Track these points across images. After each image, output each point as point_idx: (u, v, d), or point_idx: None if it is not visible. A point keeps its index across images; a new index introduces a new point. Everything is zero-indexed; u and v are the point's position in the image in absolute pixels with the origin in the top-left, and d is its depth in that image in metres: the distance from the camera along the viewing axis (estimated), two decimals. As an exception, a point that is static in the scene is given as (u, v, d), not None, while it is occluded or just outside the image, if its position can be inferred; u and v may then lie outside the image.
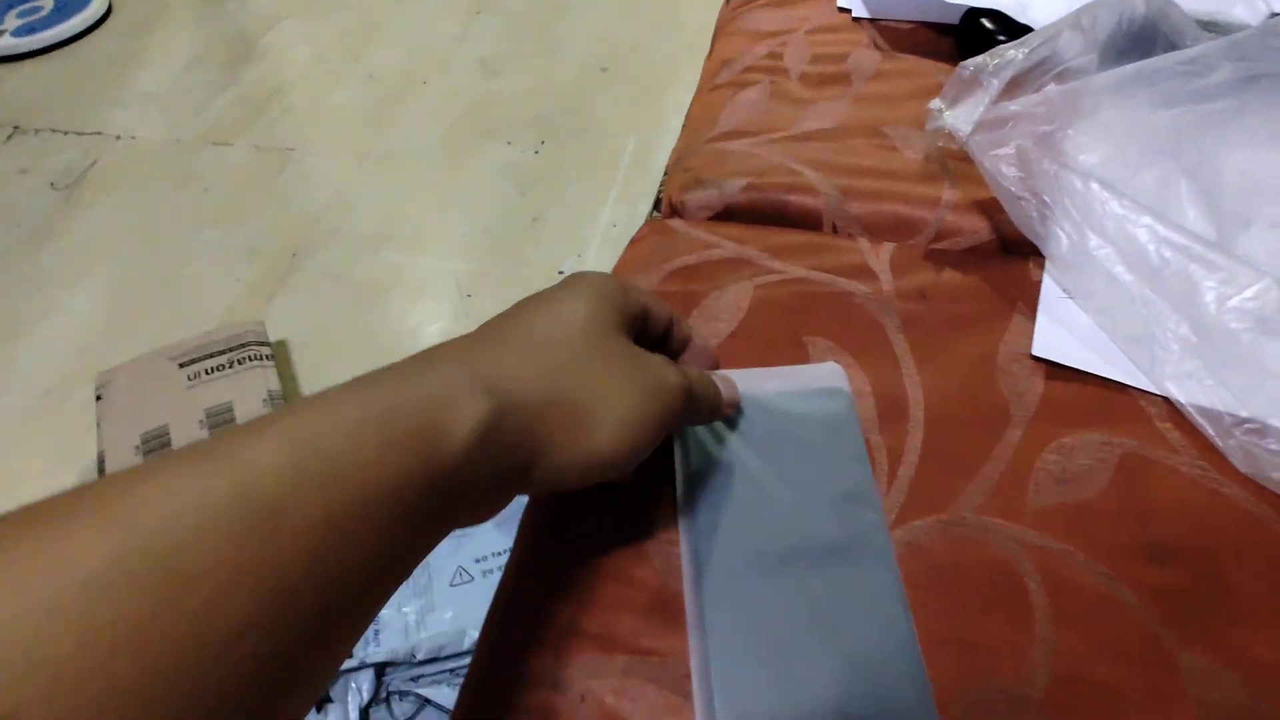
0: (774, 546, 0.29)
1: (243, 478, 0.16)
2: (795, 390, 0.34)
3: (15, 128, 1.40)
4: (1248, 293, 0.34)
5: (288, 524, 0.16)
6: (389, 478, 0.18)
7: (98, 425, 0.81)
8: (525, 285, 1.07)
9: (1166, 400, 0.35)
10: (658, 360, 0.27)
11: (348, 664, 0.57)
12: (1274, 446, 0.32)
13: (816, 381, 0.35)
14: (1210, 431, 0.33)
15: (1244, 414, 0.33)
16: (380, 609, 0.20)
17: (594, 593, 0.30)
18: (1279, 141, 0.42)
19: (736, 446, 0.32)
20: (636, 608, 0.30)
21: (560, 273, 1.05)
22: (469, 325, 1.03)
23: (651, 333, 0.31)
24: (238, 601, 0.15)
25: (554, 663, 0.29)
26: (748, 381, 0.33)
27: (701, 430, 0.32)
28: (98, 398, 0.83)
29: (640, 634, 0.29)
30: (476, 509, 0.23)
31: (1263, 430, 0.32)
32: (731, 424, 0.32)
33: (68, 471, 0.88)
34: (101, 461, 0.78)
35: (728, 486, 0.31)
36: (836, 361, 0.37)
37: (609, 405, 0.25)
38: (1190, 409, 0.34)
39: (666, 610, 0.30)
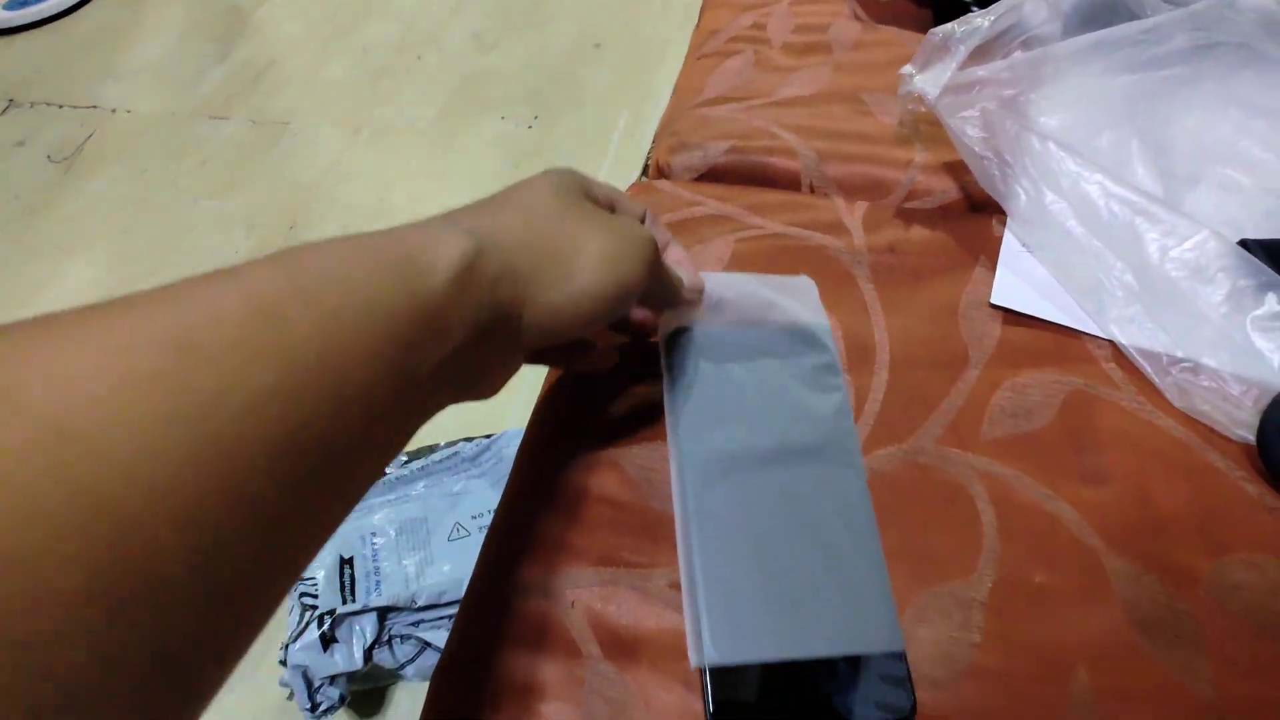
0: (754, 448, 0.32)
1: (248, 286, 0.18)
2: (773, 300, 0.37)
3: (10, 101, 1.41)
4: (1187, 244, 0.37)
5: (291, 318, 0.17)
6: (378, 297, 0.19)
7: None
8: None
9: (1112, 343, 0.38)
10: (626, 217, 0.29)
11: (352, 607, 0.60)
12: (1206, 383, 0.35)
13: (791, 292, 0.38)
14: (1149, 370, 0.36)
15: (1180, 354, 0.36)
16: (381, 463, 0.21)
17: (581, 513, 0.33)
18: (1229, 107, 0.45)
19: (719, 355, 0.35)
20: (619, 526, 0.33)
21: (554, 244, 1.07)
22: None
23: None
24: (254, 373, 0.16)
25: (545, 574, 0.32)
26: (726, 281, 0.37)
27: (686, 341, 0.35)
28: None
29: (624, 549, 0.32)
30: (473, 368, 0.23)
31: (1196, 369, 0.35)
32: (714, 336, 0.35)
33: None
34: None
35: (711, 394, 0.34)
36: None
37: (588, 244, 0.26)
38: (1132, 350, 0.37)
39: (648, 529, 0.33)
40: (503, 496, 0.36)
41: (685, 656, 0.29)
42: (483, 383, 0.25)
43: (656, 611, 0.31)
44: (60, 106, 1.39)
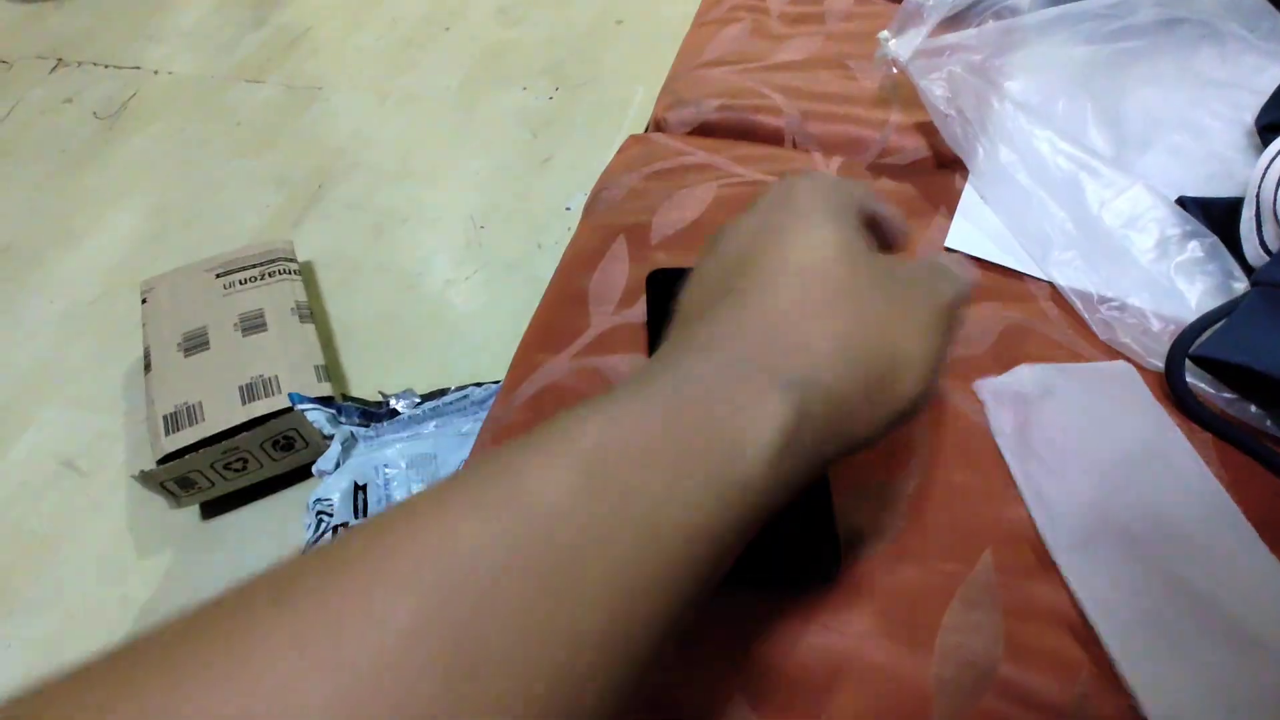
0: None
1: (535, 525, 0.15)
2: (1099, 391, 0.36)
3: (59, 60, 1.48)
4: (1123, 197, 0.41)
5: (581, 578, 0.15)
6: (682, 516, 0.16)
7: (143, 325, 0.90)
8: (534, 218, 1.13)
9: (1051, 284, 0.41)
10: (920, 269, 0.23)
11: (363, 521, 0.66)
12: (1130, 320, 0.39)
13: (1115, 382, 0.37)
14: (1080, 307, 0.40)
15: (1109, 294, 0.40)
16: (654, 669, 0.17)
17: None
18: (1185, 79, 0.48)
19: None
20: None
21: (568, 209, 1.12)
22: (480, 253, 1.09)
23: (883, 239, 0.26)
24: (524, 672, 0.14)
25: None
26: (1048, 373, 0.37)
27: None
28: (143, 301, 0.92)
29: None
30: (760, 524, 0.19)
31: (1123, 307, 0.39)
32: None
33: (116, 364, 0.97)
34: (147, 355, 0.86)
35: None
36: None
37: (904, 349, 0.20)
38: (1067, 290, 0.41)
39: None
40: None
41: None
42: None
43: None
44: (106, 66, 1.45)
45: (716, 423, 0.17)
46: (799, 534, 0.32)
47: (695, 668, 0.30)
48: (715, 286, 0.22)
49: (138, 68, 1.44)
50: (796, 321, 0.20)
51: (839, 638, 0.31)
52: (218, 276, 0.93)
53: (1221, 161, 0.45)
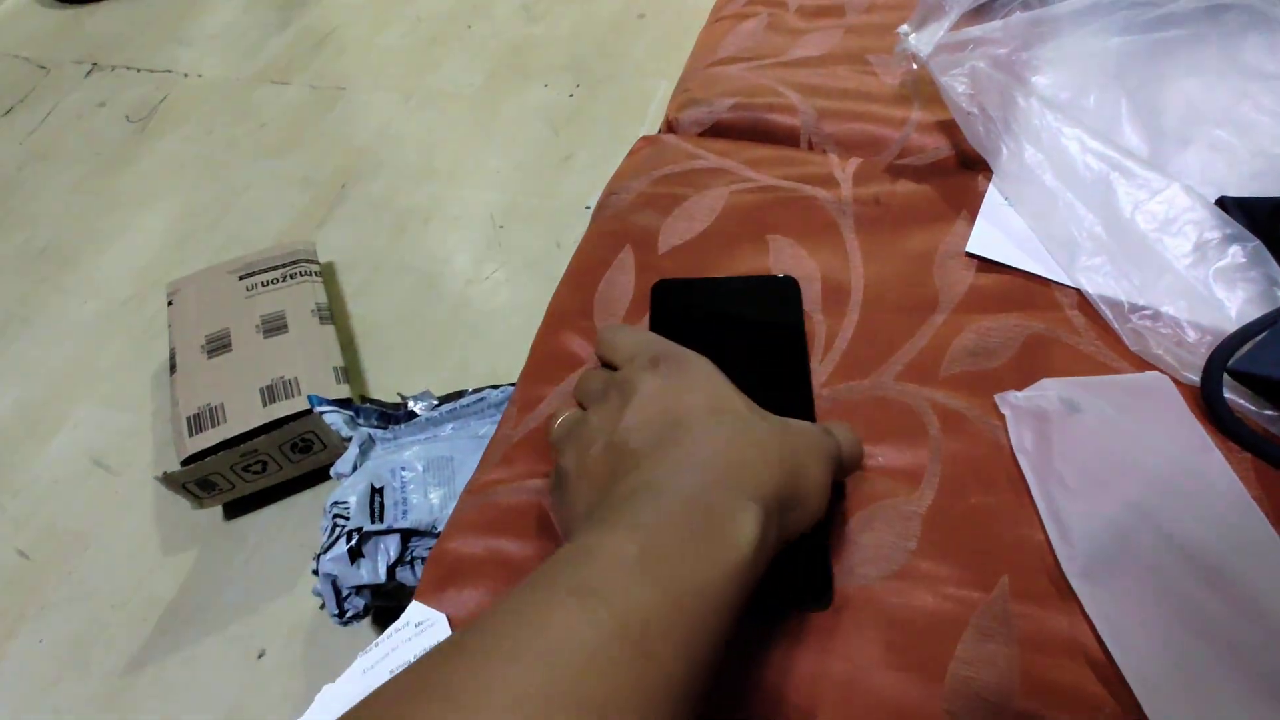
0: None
1: (619, 620, 0.19)
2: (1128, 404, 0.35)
3: (94, 64, 1.51)
4: (1158, 198, 0.39)
5: (654, 657, 0.19)
6: (708, 589, 0.21)
7: (169, 327, 0.91)
8: (555, 217, 1.13)
9: (1078, 292, 0.39)
10: (805, 425, 0.29)
11: (379, 527, 0.66)
12: (1164, 329, 0.37)
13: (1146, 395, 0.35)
14: (1110, 316, 0.38)
15: (1141, 302, 0.37)
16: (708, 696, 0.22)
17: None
18: (1231, 70, 0.45)
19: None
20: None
21: (586, 207, 1.11)
22: (501, 253, 1.09)
23: None
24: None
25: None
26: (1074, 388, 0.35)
27: None
28: (169, 303, 0.93)
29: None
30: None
31: (1156, 315, 0.37)
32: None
33: (145, 364, 0.99)
34: (173, 356, 0.88)
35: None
36: (792, 253, 0.42)
37: (809, 475, 0.27)
38: (1096, 298, 0.38)
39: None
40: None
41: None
42: None
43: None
44: (138, 70, 1.48)
45: (716, 524, 0.23)
46: (790, 562, 0.30)
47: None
48: (651, 436, 0.27)
49: (168, 71, 1.47)
50: (739, 449, 0.26)
51: (844, 664, 0.29)
52: (240, 278, 0.94)
53: (1268, 159, 0.42)
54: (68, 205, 1.24)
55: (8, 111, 1.43)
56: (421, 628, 0.32)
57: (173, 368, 0.87)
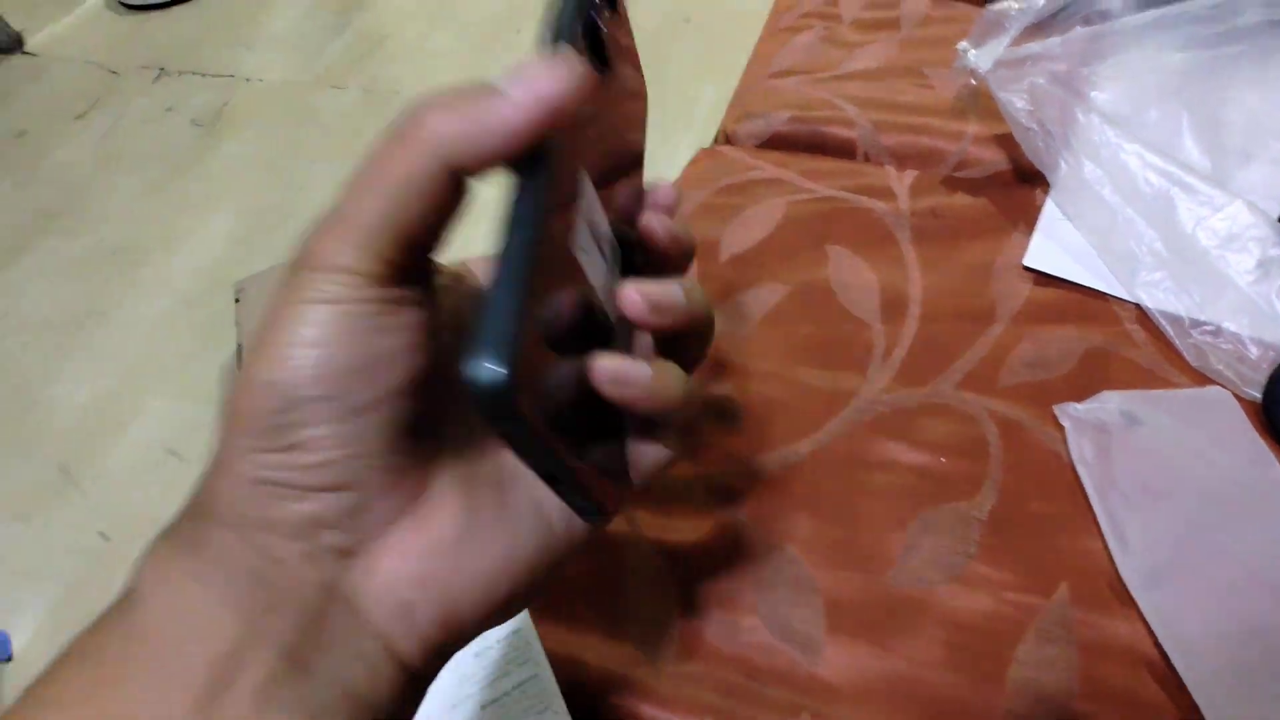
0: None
1: None
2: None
3: (161, 70, 1.58)
4: (1220, 214, 0.39)
5: None
6: None
7: (236, 323, 0.96)
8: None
9: (1137, 307, 0.40)
10: None
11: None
12: (1225, 345, 0.37)
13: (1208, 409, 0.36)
14: (1170, 332, 0.38)
15: (1203, 318, 0.38)
16: None
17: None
18: (1296, 83, 0.45)
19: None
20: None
21: (634, 211, 1.13)
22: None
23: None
24: None
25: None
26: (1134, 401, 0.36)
27: None
28: (236, 300, 0.98)
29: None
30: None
31: (1218, 331, 0.37)
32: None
33: (212, 358, 1.04)
34: (239, 351, 0.92)
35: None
36: (851, 263, 0.43)
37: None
38: (1156, 313, 0.39)
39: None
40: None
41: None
42: None
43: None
44: (203, 75, 1.54)
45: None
46: None
47: (755, 684, 0.31)
48: None
49: (232, 76, 1.53)
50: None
51: (905, 664, 0.31)
52: (304, 278, 0.98)
53: (1334, 174, 0.42)
54: (139, 206, 1.30)
55: (82, 115, 1.50)
56: None
57: (240, 362, 0.92)
